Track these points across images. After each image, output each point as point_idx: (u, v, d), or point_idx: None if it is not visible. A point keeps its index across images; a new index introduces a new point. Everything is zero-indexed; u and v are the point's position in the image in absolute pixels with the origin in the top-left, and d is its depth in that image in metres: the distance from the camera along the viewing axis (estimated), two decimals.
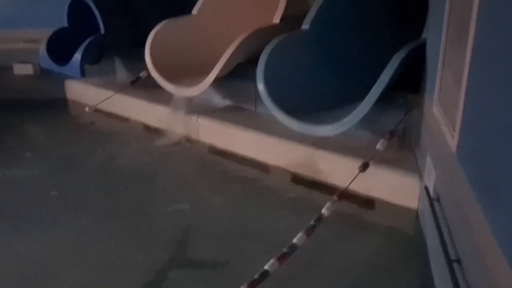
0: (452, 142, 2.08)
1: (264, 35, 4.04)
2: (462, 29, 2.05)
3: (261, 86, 3.57)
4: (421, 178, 2.97)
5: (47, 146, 4.36)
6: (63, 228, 3.01)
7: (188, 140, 4.36)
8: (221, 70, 4.05)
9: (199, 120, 4.29)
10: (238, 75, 4.36)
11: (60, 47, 5.22)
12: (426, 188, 2.59)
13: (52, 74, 5.38)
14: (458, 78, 2.03)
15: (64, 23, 5.32)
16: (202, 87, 4.16)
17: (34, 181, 3.69)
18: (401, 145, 3.38)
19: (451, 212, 2.08)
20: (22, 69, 5.80)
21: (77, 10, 5.23)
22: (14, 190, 3.54)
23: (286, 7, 4.30)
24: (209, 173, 3.82)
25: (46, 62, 5.22)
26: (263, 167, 3.81)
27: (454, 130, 2.08)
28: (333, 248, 2.75)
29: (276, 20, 4.28)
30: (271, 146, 3.78)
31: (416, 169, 3.10)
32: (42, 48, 5.23)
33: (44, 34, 5.30)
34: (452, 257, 1.83)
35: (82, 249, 2.78)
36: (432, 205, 2.32)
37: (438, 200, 2.35)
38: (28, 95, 5.63)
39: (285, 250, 2.35)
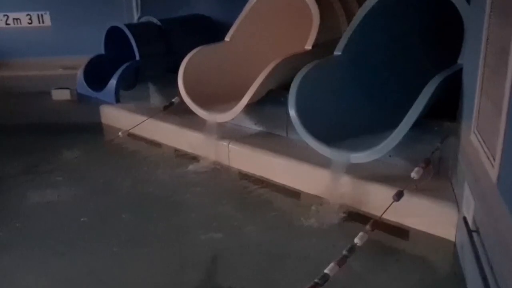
0: (492, 171, 1.99)
1: (296, 61, 4.04)
2: (501, 56, 1.99)
3: (292, 112, 3.55)
4: (458, 208, 2.86)
5: (80, 170, 4.41)
6: (91, 255, 3.02)
7: (219, 166, 4.35)
8: (253, 96, 4.06)
9: (230, 146, 4.29)
10: (269, 101, 4.36)
11: (97, 73, 5.34)
12: (465, 219, 2.49)
13: (88, 99, 5.50)
14: (498, 106, 1.97)
15: (101, 50, 5.46)
16: (233, 113, 4.17)
17: (64, 206, 3.72)
18: (437, 174, 3.28)
19: (493, 245, 1.98)
20: (60, 95, 5.94)
21: (114, 38, 5.36)
22: (43, 214, 3.58)
23: (319, 33, 4.29)
24: (240, 200, 3.78)
25: (83, 88, 5.34)
26: (294, 194, 3.76)
27: (494, 159, 2.00)
28: (365, 280, 2.67)
29: (308, 46, 4.27)
30: (302, 173, 3.74)
31: (453, 199, 2.99)
32: (80, 74, 5.36)
33: (81, 61, 5.45)
34: None
35: (111, 277, 2.78)
36: (471, 237, 2.22)
37: (477, 232, 2.25)
38: (64, 120, 5.77)
39: (316, 280, 2.30)
